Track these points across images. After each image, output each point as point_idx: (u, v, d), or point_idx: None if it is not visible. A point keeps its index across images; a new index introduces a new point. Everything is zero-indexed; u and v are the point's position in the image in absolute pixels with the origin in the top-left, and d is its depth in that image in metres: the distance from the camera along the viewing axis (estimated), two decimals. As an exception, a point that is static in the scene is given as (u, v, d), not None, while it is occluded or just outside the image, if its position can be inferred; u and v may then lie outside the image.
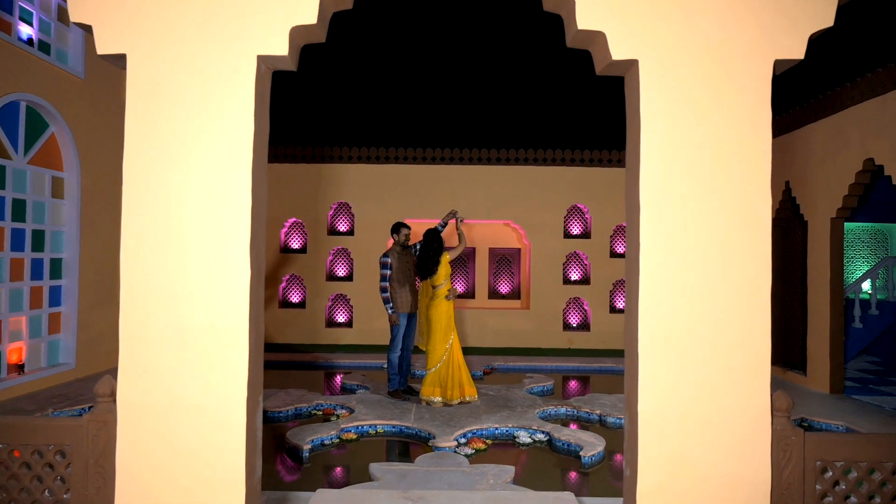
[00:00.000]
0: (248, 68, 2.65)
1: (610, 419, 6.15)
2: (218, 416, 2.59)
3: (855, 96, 6.91)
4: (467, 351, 8.18)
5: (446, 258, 6.66)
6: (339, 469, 5.11)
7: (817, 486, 2.71)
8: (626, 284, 2.86)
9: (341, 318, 11.13)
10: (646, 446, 2.63)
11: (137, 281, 2.62)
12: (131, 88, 2.66)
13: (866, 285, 11.33)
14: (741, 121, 2.64)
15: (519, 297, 11.62)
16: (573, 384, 8.43)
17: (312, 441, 5.21)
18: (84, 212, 7.50)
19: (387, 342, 6.94)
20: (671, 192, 2.65)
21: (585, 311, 11.14)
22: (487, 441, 5.51)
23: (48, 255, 7.14)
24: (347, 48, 12.43)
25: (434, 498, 3.66)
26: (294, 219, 11.05)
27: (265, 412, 6.06)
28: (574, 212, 11.19)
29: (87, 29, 2.69)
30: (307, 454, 5.05)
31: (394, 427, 5.80)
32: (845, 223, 8.14)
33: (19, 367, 6.58)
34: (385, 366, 7.31)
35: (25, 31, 6.72)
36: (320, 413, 6.34)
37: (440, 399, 6.40)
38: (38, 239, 7.00)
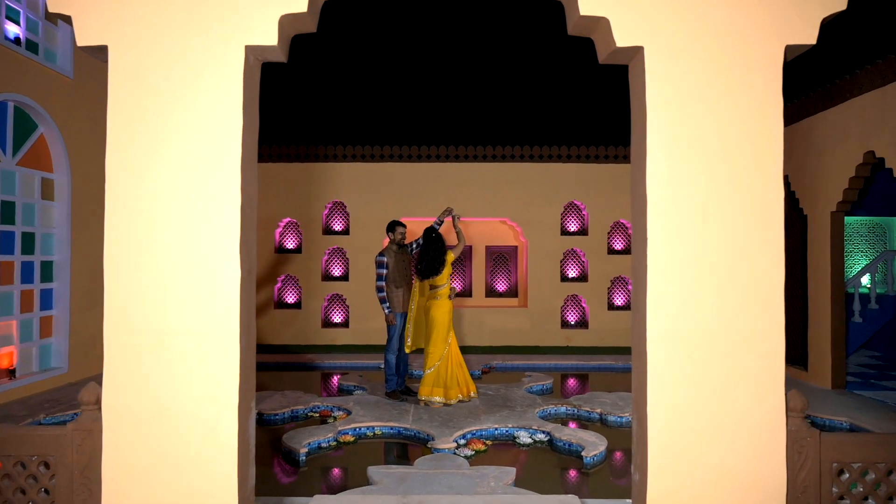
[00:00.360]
0: (235, 59, 2.54)
1: (611, 418, 6.07)
2: (208, 423, 2.47)
3: (855, 88, 6.83)
4: (465, 350, 8.10)
5: (451, 257, 6.55)
6: (336, 472, 5.01)
7: (833, 489, 2.61)
8: (633, 281, 2.76)
9: (337, 319, 11.02)
10: (655, 449, 2.53)
11: (121, 282, 2.50)
12: (113, 82, 2.56)
13: (865, 279, 11.28)
14: (751, 110, 2.54)
15: (516, 295, 11.53)
16: (572, 382, 8.35)
17: (309, 444, 5.10)
18: (74, 213, 7.37)
19: (384, 342, 6.85)
20: (679, 185, 2.55)
21: (583, 308, 11.05)
22: (487, 442, 5.42)
23: (39, 257, 7.01)
24: (340, 44, 12.32)
25: (434, 502, 3.58)
26: (289, 219, 10.93)
27: (260, 415, 5.95)
28: (571, 208, 11.10)
29: (67, 20, 2.57)
30: (304, 458, 4.94)
31: (392, 429, 5.70)
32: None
33: (10, 372, 6.46)
34: (382, 366, 7.20)
35: (12, 30, 6.58)
36: (317, 415, 6.23)
37: (439, 399, 6.30)
38: (29, 241, 6.86)
